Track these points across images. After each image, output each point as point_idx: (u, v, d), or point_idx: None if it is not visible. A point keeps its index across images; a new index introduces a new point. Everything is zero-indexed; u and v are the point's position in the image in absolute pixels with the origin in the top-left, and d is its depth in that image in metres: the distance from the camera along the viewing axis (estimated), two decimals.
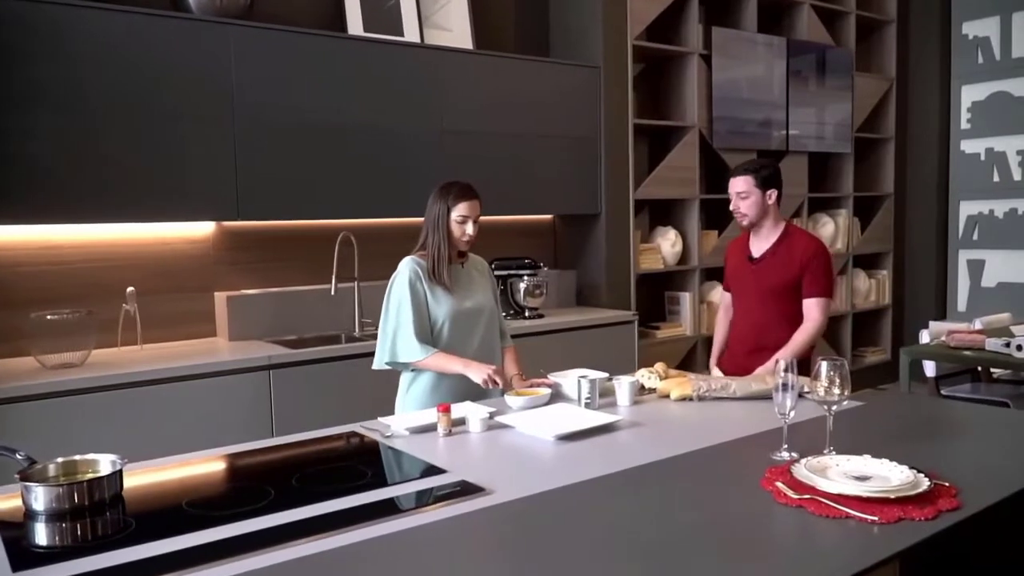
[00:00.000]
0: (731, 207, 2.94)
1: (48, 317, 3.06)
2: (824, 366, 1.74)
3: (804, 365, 2.66)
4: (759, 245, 2.96)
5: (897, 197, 6.24)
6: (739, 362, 2.91)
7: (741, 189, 2.89)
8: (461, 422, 2.18)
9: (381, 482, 1.73)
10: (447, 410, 2.12)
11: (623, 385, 2.42)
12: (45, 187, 2.99)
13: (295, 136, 3.54)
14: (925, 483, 1.51)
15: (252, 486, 1.73)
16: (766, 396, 2.27)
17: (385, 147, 3.78)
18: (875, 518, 1.40)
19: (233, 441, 2.14)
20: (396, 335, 2.52)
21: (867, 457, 1.65)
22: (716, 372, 3.06)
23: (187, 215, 3.38)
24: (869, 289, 6.15)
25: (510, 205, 4.30)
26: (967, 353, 3.71)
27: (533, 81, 4.29)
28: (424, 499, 1.62)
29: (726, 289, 3.20)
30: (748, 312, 2.99)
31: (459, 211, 2.56)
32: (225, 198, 3.39)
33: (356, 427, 2.23)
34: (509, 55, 4.27)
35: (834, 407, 1.75)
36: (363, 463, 1.88)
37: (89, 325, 3.12)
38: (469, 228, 2.58)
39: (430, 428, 2.15)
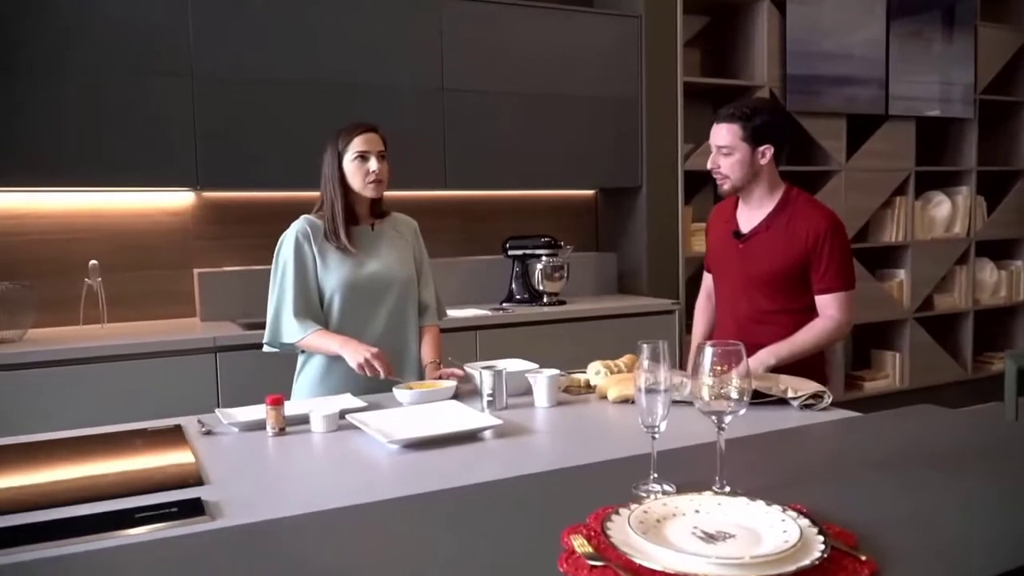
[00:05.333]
0: (709, 164, 2.21)
1: None
2: (708, 353, 1.14)
3: (812, 372, 2.00)
4: (749, 216, 2.22)
5: None
6: None
7: (723, 142, 2.12)
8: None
9: (110, 494, 1.29)
10: (277, 403, 1.66)
11: (540, 381, 1.87)
12: None
13: (267, 95, 3.17)
14: (817, 550, 0.89)
15: None
16: None
17: (376, 107, 3.34)
18: None
19: None
20: (279, 311, 2.08)
21: (758, 502, 1.04)
22: None
23: (136, 181, 3.08)
24: (998, 282, 5.11)
25: (530, 178, 3.76)
26: None
27: (558, 33, 3.72)
28: (112, 522, 1.17)
29: (707, 270, 2.48)
30: (731, 303, 2.28)
31: (355, 147, 2.08)
32: (183, 164, 3.07)
33: (193, 419, 1.81)
34: (526, 3, 3.73)
35: (727, 418, 1.15)
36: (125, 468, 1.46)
37: (28, 300, 2.90)
38: (372, 164, 2.08)
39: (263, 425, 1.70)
